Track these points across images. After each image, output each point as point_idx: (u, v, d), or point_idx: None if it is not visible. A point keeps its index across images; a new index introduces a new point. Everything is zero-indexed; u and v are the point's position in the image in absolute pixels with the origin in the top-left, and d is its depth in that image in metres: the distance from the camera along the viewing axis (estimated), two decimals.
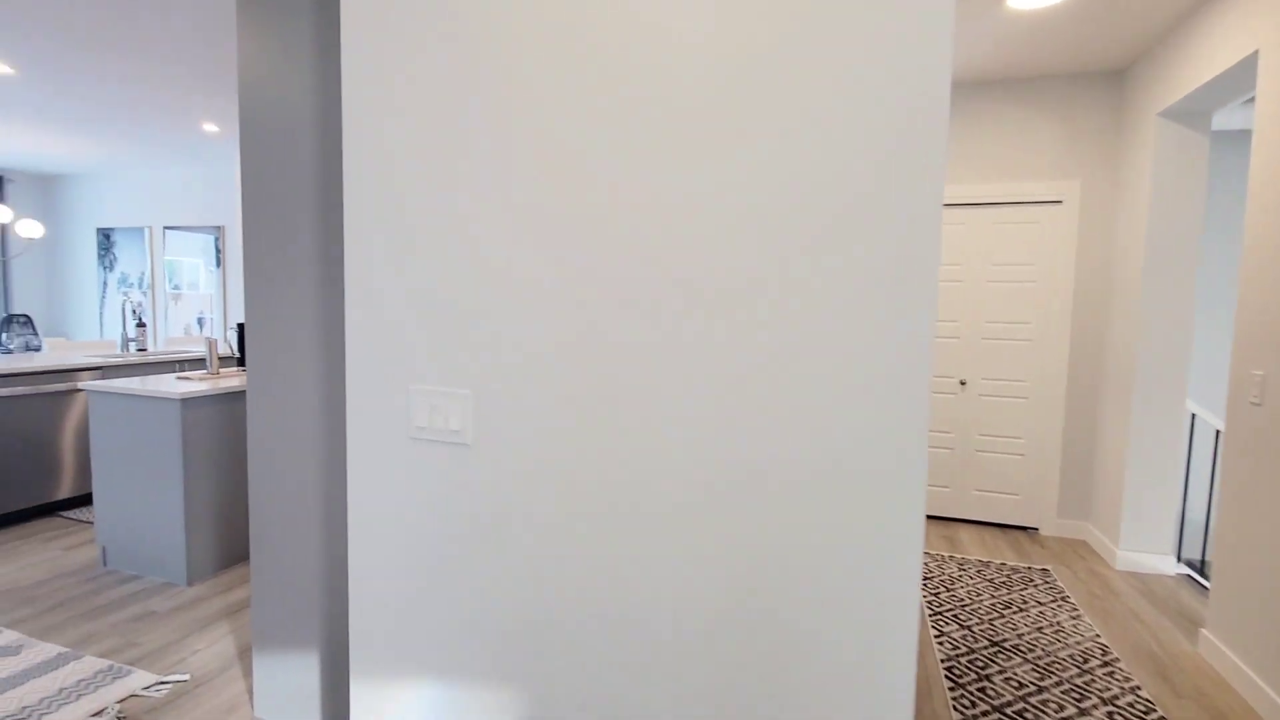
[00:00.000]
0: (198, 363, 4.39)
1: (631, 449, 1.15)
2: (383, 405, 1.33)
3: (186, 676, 2.09)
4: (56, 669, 2.12)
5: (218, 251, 6.60)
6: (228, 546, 3.01)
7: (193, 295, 6.76)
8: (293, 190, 1.79)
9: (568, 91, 1.14)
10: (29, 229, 5.59)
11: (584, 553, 1.20)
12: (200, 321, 6.72)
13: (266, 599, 1.88)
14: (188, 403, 2.78)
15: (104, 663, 2.16)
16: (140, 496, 2.88)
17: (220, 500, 2.96)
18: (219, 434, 2.93)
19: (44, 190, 7.44)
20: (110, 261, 7.18)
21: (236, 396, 3.01)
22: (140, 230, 6.99)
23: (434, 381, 1.29)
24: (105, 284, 7.21)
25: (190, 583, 2.82)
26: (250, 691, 2.02)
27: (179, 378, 3.13)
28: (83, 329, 7.38)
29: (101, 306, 7.24)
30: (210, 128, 5.07)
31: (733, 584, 1.11)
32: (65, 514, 3.66)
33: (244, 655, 2.24)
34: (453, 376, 1.27)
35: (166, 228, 6.84)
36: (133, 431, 2.86)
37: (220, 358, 4.42)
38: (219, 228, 6.57)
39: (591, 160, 1.13)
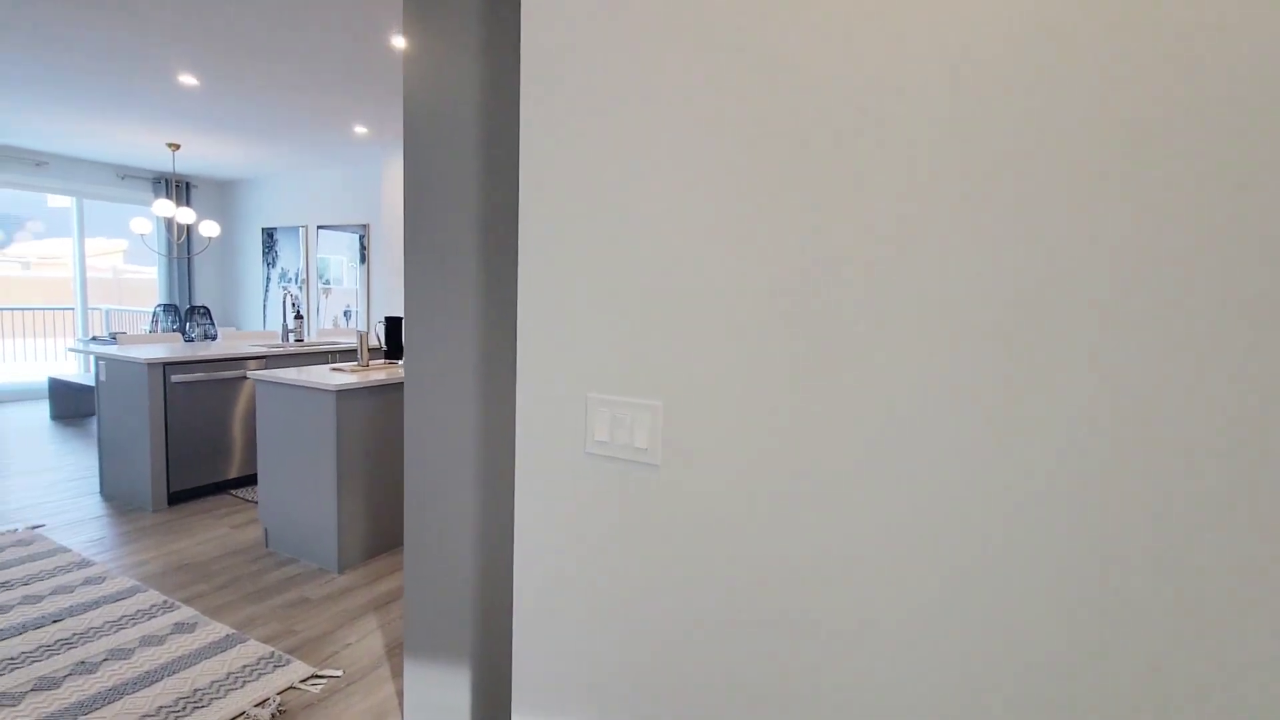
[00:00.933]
0: (348, 354, 4.61)
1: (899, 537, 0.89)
2: (556, 414, 1.17)
3: (340, 673, 2.09)
4: (225, 651, 2.19)
5: (362, 249, 7.00)
6: (376, 536, 3.06)
7: (339, 289, 7.24)
8: (455, 185, 1.68)
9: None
10: (209, 229, 6.18)
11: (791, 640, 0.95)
12: (346, 314, 7.18)
13: (419, 607, 1.81)
14: (342, 394, 2.84)
15: (266, 649, 2.21)
16: (298, 482, 2.99)
17: (370, 490, 3.02)
18: (369, 425, 2.98)
19: (220, 194, 8.27)
20: (272, 258, 7.85)
21: (385, 389, 3.05)
22: (296, 229, 7.58)
23: (617, 390, 1.10)
24: (268, 279, 7.90)
25: (341, 570, 2.89)
26: (399, 696, 1.98)
27: (332, 369, 3.24)
28: (249, 320, 8.15)
29: (265, 299, 7.95)
30: (360, 130, 5.33)
31: None
32: (235, 492, 3.94)
33: (391, 653, 2.22)
34: (639, 384, 1.08)
35: (319, 227, 7.37)
36: (292, 419, 2.97)
37: (370, 349, 4.63)
38: (364, 226, 6.97)
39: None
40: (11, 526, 3.31)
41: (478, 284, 1.69)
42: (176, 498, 3.76)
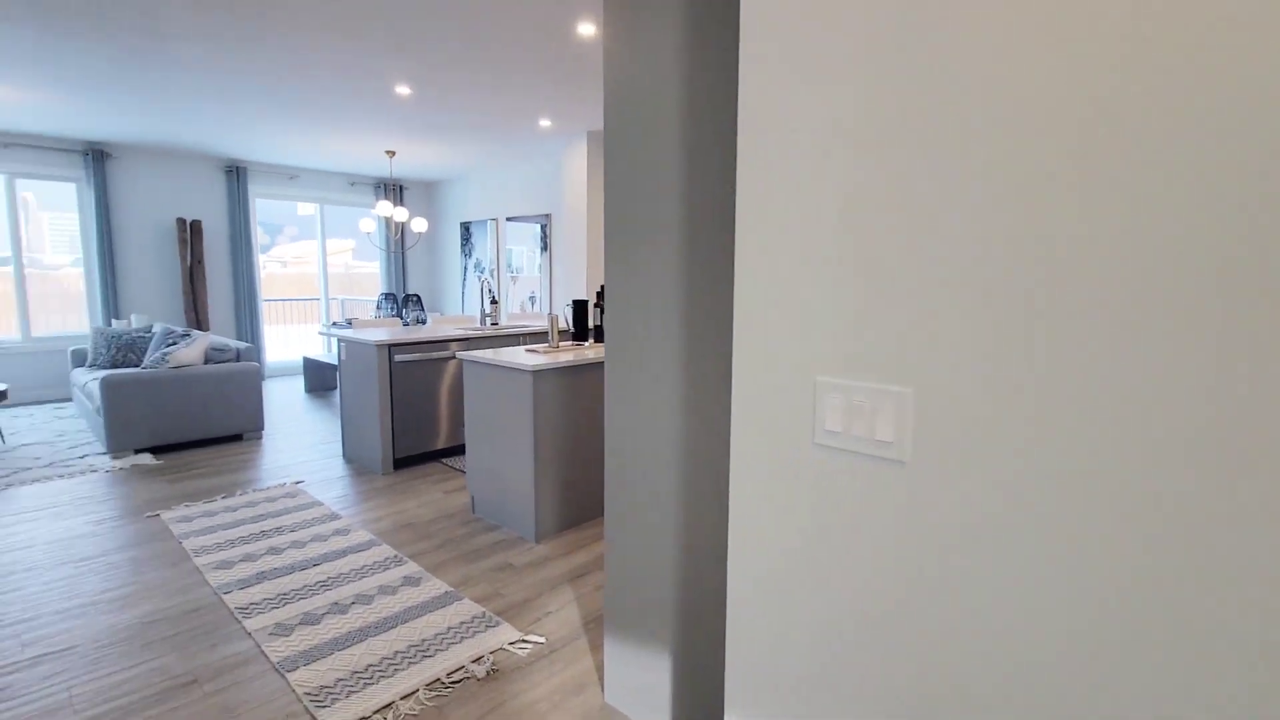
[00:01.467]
0: (538, 336, 4.91)
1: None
2: (778, 400, 1.06)
3: (543, 639, 2.20)
4: (444, 606, 2.41)
5: (544, 238, 7.42)
6: (570, 509, 3.22)
7: (523, 277, 7.76)
8: (656, 161, 1.63)
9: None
10: (419, 225, 6.93)
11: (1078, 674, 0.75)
12: (531, 299, 7.68)
13: (619, 586, 1.83)
14: (538, 374, 2.99)
15: (478, 609, 2.39)
16: (499, 454, 3.21)
17: (563, 465, 3.17)
18: (562, 403, 3.12)
19: (427, 194, 9.26)
20: (469, 250, 8.63)
21: (575, 369, 3.17)
22: (487, 222, 8.25)
23: (853, 373, 0.96)
24: (465, 269, 8.71)
25: (538, 540, 3.07)
26: (599, 671, 2.03)
27: (526, 350, 3.43)
28: (451, 305, 9.06)
29: (463, 287, 8.78)
30: (545, 123, 5.60)
31: None
32: (445, 461, 4.38)
33: (589, 626, 2.29)
34: (881, 367, 0.93)
35: (508, 219, 7.94)
36: (494, 396, 3.19)
37: (560, 331, 4.89)
38: (546, 216, 7.38)
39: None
40: (282, 481, 3.97)
41: (681, 262, 1.63)
42: (400, 463, 4.27)
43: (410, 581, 2.62)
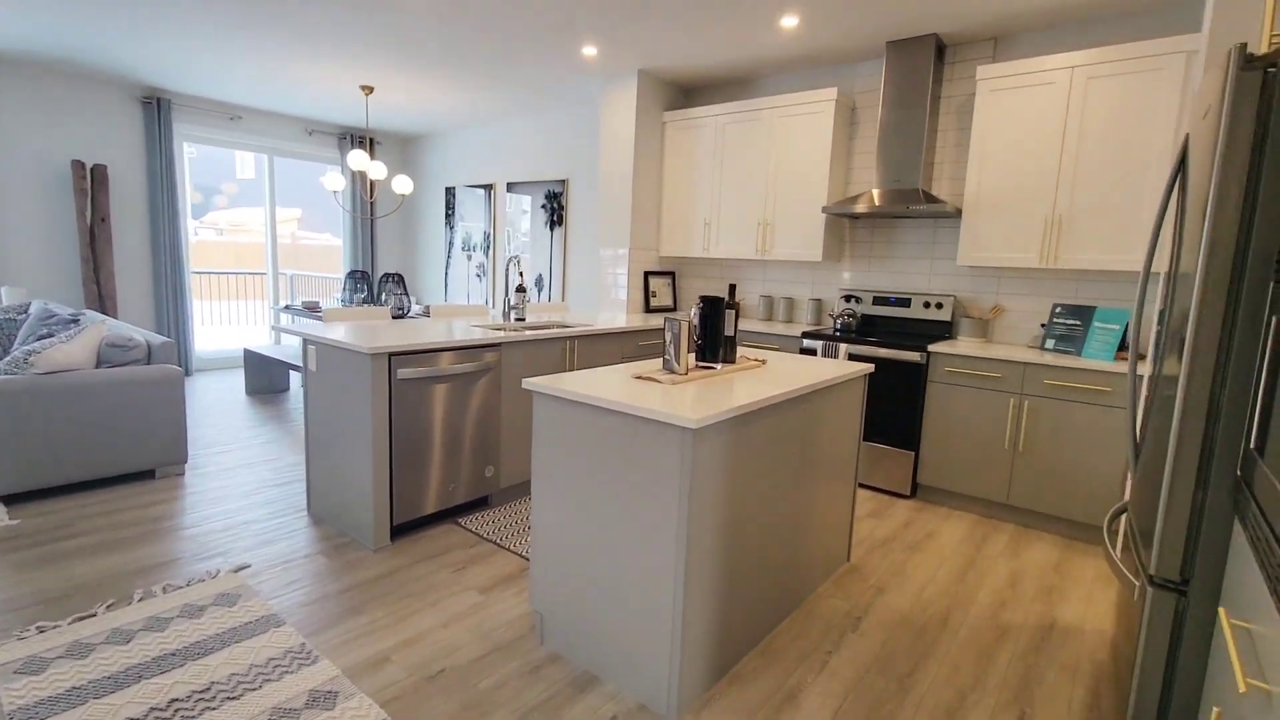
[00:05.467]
0: (598, 339, 3.55)
1: None
2: None
3: None
4: None
5: (558, 208, 6.00)
6: (729, 646, 1.91)
7: (528, 256, 6.32)
8: None
9: None
10: (401, 184, 5.40)
11: None
12: (539, 284, 6.26)
13: None
14: (701, 434, 1.66)
15: None
16: (605, 554, 1.88)
17: (728, 578, 1.85)
18: (726, 475, 1.80)
19: (402, 151, 7.64)
20: (453, 222, 7.10)
21: (755, 419, 1.85)
22: (480, 189, 6.74)
23: None
24: (450, 244, 7.18)
25: (680, 712, 1.76)
26: None
27: (640, 378, 2.08)
28: (430, 289, 7.51)
29: (447, 268, 7.25)
30: (589, 51, 4.19)
31: None
32: (462, 522, 2.99)
33: None
34: None
35: (508, 185, 6.46)
36: (600, 454, 1.85)
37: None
38: (562, 182, 5.95)
39: None
40: (213, 566, 2.52)
41: None
42: (400, 529, 2.86)
43: None
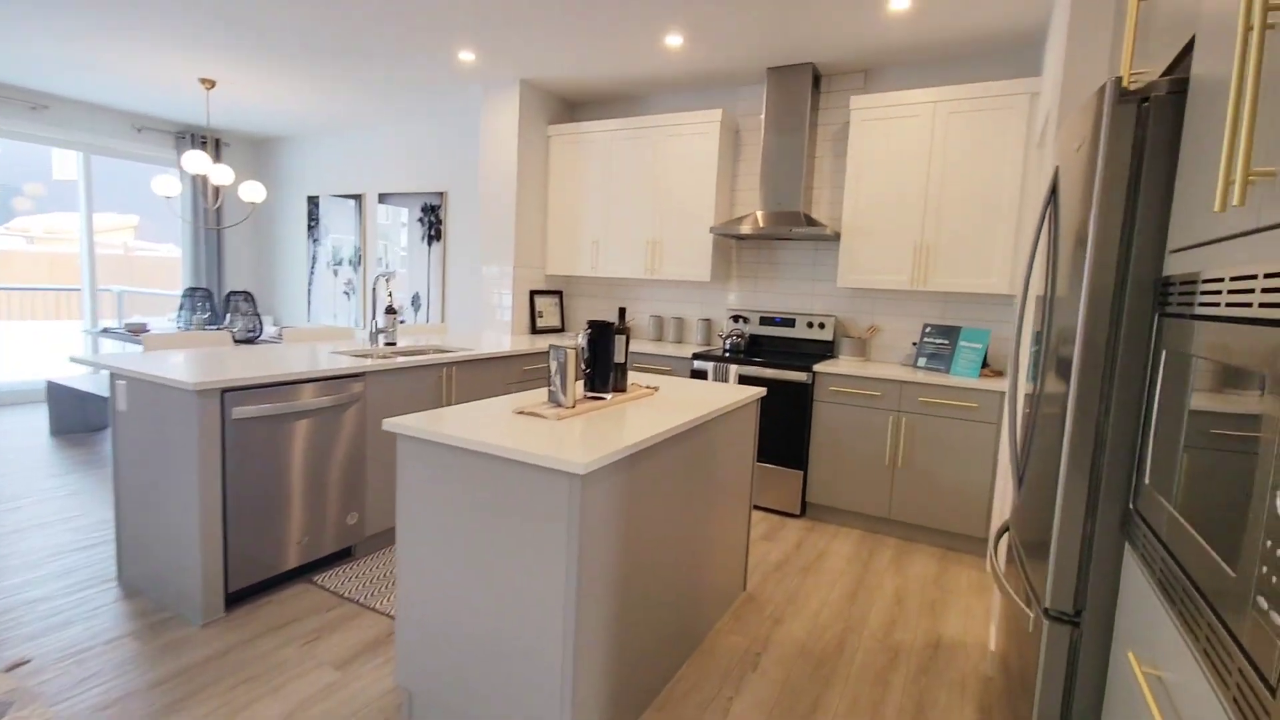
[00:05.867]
0: (478, 364, 3.26)
1: None
2: None
3: None
4: None
5: (436, 222, 5.63)
6: (630, 696, 1.73)
7: (404, 273, 5.88)
8: None
9: None
10: (251, 192, 4.82)
11: None
12: (415, 302, 5.83)
13: None
14: (588, 479, 1.48)
15: None
16: (482, 611, 1.64)
17: (622, 628, 1.67)
18: (620, 518, 1.63)
19: (255, 155, 6.89)
20: (317, 235, 6.49)
21: (647, 457, 1.70)
22: (349, 199, 6.21)
23: None
24: (314, 259, 6.54)
25: None
26: None
27: (522, 413, 1.87)
28: (291, 311, 6.80)
29: (309, 286, 6.59)
30: (466, 57, 3.93)
31: None
32: (318, 580, 2.60)
33: None
34: None
35: (380, 195, 5.99)
36: (474, 500, 1.62)
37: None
38: (440, 194, 5.59)
39: None
40: None
41: None
42: (238, 596, 2.42)
43: None
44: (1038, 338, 1.67)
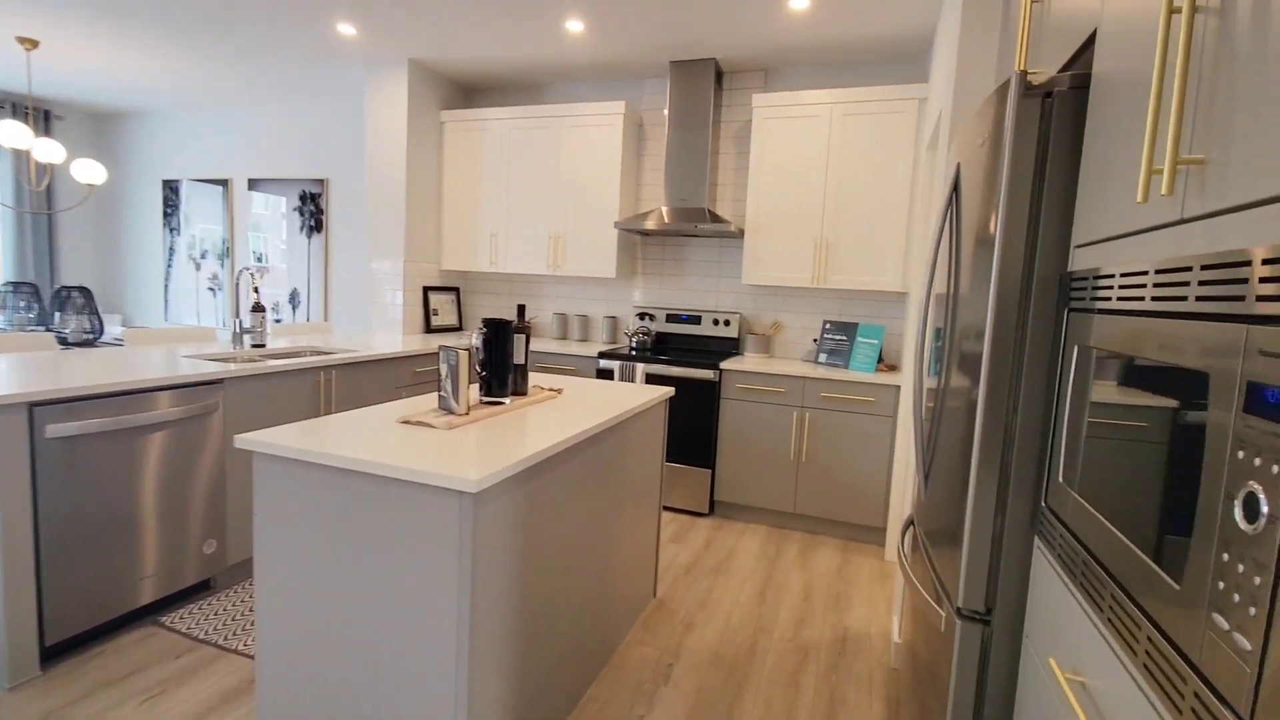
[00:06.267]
0: (354, 367, 2.95)
1: None
2: None
3: None
4: None
5: (316, 212, 5.16)
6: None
7: (282, 267, 5.34)
8: None
9: None
10: (88, 171, 4.17)
11: None
12: (294, 299, 5.31)
13: None
14: (485, 496, 1.31)
15: None
16: (350, 645, 1.43)
17: (520, 648, 1.51)
18: (516, 535, 1.47)
19: (97, 131, 6.04)
20: (175, 224, 5.78)
21: (548, 464, 1.54)
22: (216, 185, 5.57)
23: None
24: (172, 250, 5.82)
25: None
26: None
27: (407, 422, 1.67)
28: (146, 309, 6.01)
29: (166, 280, 5.86)
30: (345, 30, 3.58)
31: None
32: (166, 621, 2.24)
33: None
34: None
35: (251, 182, 5.41)
36: (351, 526, 1.41)
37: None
38: (320, 181, 5.13)
39: None
40: None
41: None
42: (60, 649, 2.03)
43: None
44: (939, 334, 1.69)
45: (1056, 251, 1.15)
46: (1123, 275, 0.86)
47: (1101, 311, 0.93)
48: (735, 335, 3.96)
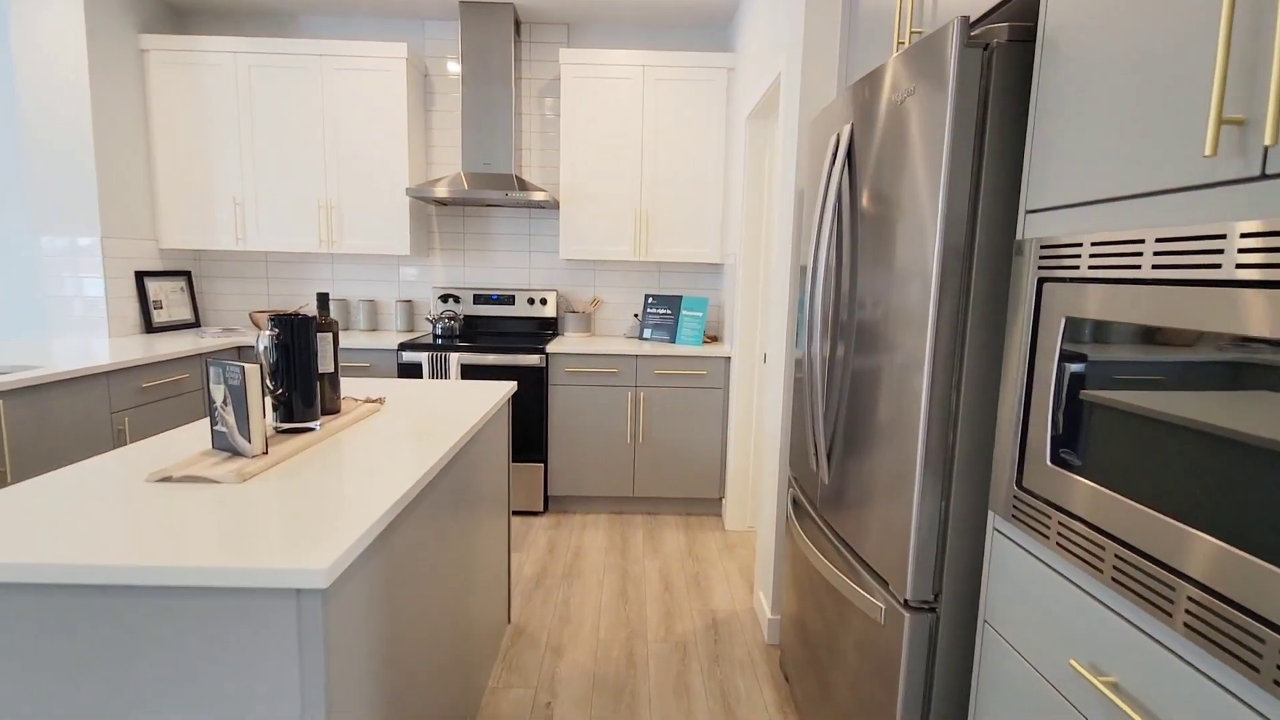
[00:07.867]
0: (55, 396, 2.03)
1: None
2: None
3: None
4: None
5: None
6: None
7: None
8: None
9: None
10: None
11: None
12: None
13: None
14: (332, 590, 0.87)
15: None
16: None
17: None
18: (372, 614, 1.04)
19: None
20: None
21: (390, 527, 1.12)
22: None
23: None
24: None
25: None
26: None
27: (163, 479, 1.10)
28: None
29: None
30: None
31: None
32: None
33: None
34: None
35: None
36: (120, 673, 0.86)
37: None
38: None
39: None
40: None
41: None
42: None
43: None
44: (802, 305, 1.60)
45: (1002, 218, 1.08)
46: (1156, 240, 0.78)
47: (1102, 281, 0.85)
48: (554, 315, 3.66)
